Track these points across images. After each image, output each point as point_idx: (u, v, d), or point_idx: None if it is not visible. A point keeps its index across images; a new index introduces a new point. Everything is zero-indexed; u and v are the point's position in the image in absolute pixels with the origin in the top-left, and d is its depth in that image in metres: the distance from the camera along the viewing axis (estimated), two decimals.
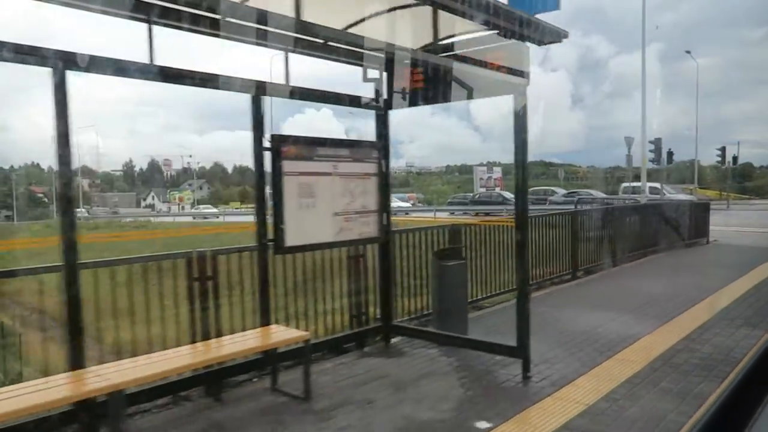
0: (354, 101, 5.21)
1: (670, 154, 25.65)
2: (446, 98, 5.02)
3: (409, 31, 4.95)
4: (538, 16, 4.81)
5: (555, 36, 4.53)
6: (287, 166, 4.41)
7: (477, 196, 37.00)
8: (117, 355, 3.86)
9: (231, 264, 4.50)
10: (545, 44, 4.57)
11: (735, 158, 34.05)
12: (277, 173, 4.36)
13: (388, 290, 5.43)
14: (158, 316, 4.14)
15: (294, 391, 4.25)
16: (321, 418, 3.87)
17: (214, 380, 4.23)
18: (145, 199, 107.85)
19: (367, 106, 5.28)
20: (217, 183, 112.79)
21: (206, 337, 4.22)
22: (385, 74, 5.27)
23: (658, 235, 12.17)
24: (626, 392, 4.25)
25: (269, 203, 4.43)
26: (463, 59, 4.80)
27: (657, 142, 22.32)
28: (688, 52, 34.36)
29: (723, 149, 30.84)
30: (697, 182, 38.52)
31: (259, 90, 4.29)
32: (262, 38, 4.34)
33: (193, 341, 4.16)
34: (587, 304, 7.39)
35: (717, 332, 5.77)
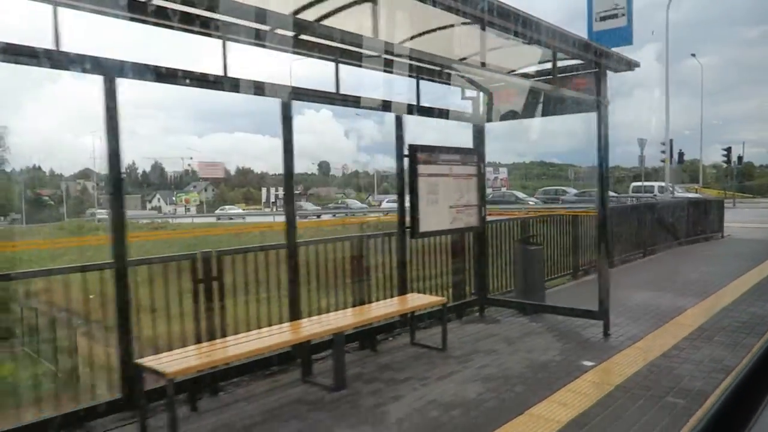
0: (458, 116, 6.44)
1: (680, 154, 26.94)
2: (535, 114, 6.24)
3: (505, 58, 6.14)
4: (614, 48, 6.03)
5: (628, 66, 5.77)
6: (420, 169, 5.63)
7: (490, 195, 38.21)
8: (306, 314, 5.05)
9: (376, 246, 5.71)
10: (620, 72, 5.80)
11: (740, 158, 35.36)
12: (413, 175, 5.58)
13: (484, 269, 6.65)
14: (331, 284, 5.34)
15: (431, 344, 5.47)
16: (462, 361, 5.08)
17: (366, 336, 5.43)
18: (150, 201, 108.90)
19: (467, 120, 6.50)
20: (222, 185, 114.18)
21: (361, 302, 5.43)
22: (482, 94, 6.50)
23: (680, 229, 13.42)
24: (688, 344, 5.47)
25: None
26: (551, 82, 6.00)
27: (669, 144, 23.60)
28: (693, 54, 35.63)
29: (729, 149, 32.19)
30: (702, 182, 39.83)
31: (402, 110, 5.51)
32: (399, 68, 5.55)
33: (353, 306, 5.37)
34: (634, 285, 8.60)
35: (750, 303, 6.99)
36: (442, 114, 6.10)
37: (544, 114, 6.23)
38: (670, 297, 7.56)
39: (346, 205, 47.08)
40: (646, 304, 7.19)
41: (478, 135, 6.55)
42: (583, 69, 5.77)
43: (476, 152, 6.44)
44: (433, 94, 7.01)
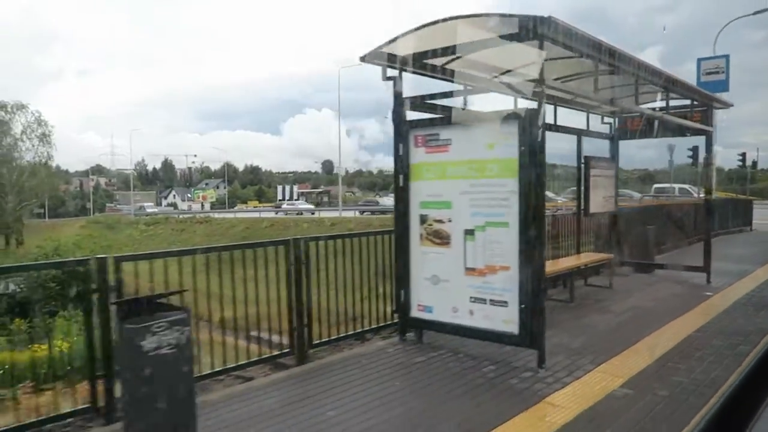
0: (597, 135, 9.45)
1: (705, 158, 29.88)
2: (656, 136, 9.24)
3: (636, 97, 9.12)
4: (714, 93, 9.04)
5: (725, 105, 8.80)
6: (591, 171, 8.64)
7: None
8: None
9: (563, 220, 8.73)
10: (719, 109, 8.82)
11: (755, 162, 38.54)
12: (587, 175, 8.59)
13: (618, 239, 9.69)
14: None
15: (599, 284, 8.48)
16: (627, 292, 8.08)
17: (556, 279, 8.43)
18: (166, 198, 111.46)
19: (605, 137, 9.52)
20: (236, 182, 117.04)
21: (555, 256, 8.43)
22: (617, 119, 9.53)
23: (720, 222, 16.50)
24: (764, 288, 8.48)
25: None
26: (684, 116, 8.99)
27: (695, 149, 26.57)
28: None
29: (743, 154, 35.32)
30: (714, 184, 42.85)
31: (582, 134, 8.54)
32: (583, 107, 8.55)
33: (552, 258, 8.36)
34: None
35: None
36: (600, 135, 9.14)
37: (660, 136, 9.22)
38: (737, 264, 10.59)
39: (376, 203, 50.55)
40: (722, 268, 10.14)
41: (613, 148, 9.57)
42: (696, 107, 8.76)
43: (612, 160, 9.47)
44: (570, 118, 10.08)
